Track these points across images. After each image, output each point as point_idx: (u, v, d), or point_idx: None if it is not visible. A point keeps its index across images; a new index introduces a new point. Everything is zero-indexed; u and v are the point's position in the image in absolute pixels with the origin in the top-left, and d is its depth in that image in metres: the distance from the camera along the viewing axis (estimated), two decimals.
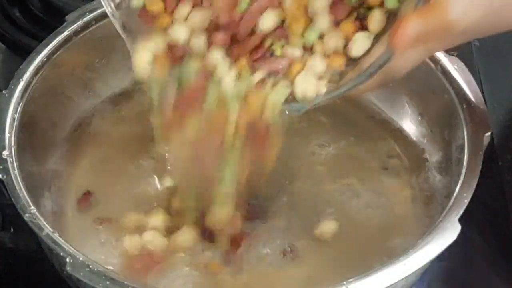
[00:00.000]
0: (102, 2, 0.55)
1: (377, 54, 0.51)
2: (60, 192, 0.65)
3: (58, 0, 0.81)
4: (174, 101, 0.54)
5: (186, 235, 0.60)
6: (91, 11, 0.66)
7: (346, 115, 0.71)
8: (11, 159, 0.57)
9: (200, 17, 0.53)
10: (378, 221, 0.64)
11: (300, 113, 0.54)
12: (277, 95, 0.53)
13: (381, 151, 0.69)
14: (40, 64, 0.63)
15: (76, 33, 0.66)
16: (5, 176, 0.55)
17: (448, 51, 0.64)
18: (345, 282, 0.50)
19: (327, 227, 0.62)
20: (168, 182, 0.65)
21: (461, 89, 0.62)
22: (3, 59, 0.82)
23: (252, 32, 0.53)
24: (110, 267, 0.57)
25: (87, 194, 0.65)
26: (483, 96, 0.62)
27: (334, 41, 0.52)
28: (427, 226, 0.55)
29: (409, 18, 0.47)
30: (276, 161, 0.57)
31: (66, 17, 0.66)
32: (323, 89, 0.53)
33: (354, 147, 0.69)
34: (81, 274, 0.50)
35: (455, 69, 0.63)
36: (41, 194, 0.63)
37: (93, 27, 0.66)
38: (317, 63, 0.52)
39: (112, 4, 0.55)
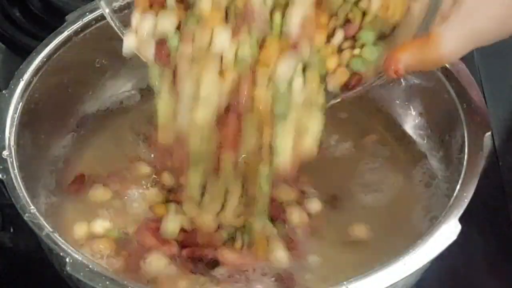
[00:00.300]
0: (99, 4, 0.55)
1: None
2: (59, 190, 0.65)
3: (58, 0, 0.81)
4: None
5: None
6: (91, 11, 0.66)
7: (346, 115, 0.71)
8: (11, 159, 0.57)
9: None
10: (379, 221, 0.64)
11: None
12: None
13: (380, 151, 0.69)
14: (40, 64, 0.63)
15: (76, 33, 0.66)
16: (5, 176, 0.55)
17: None
18: (345, 282, 0.50)
19: (358, 230, 0.63)
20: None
21: (461, 89, 0.62)
22: (3, 59, 0.82)
23: None
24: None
25: (81, 177, 0.66)
26: (483, 96, 0.62)
27: None
28: (427, 226, 0.55)
29: (402, 51, 0.49)
30: None
31: (66, 17, 0.66)
32: None
33: (353, 148, 0.70)
34: (81, 274, 0.50)
35: (455, 69, 0.63)
36: (41, 193, 0.63)
37: (93, 27, 0.66)
38: None
39: (110, 7, 0.56)
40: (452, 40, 0.48)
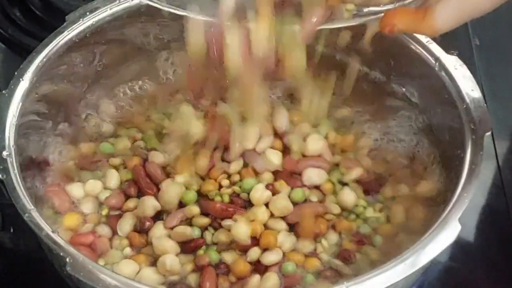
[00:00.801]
0: None
1: None
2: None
3: (58, 0, 0.81)
4: None
5: None
6: (91, 11, 0.66)
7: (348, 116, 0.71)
8: (11, 159, 0.57)
9: None
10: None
11: None
12: None
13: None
14: (40, 64, 0.63)
15: (76, 33, 0.66)
16: (5, 176, 0.55)
17: (448, 51, 0.64)
18: (345, 282, 0.50)
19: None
20: None
21: (461, 89, 0.62)
22: (3, 59, 0.82)
23: None
24: None
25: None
26: (483, 96, 0.62)
27: None
28: (427, 226, 0.55)
29: (399, 17, 0.53)
30: None
31: (66, 17, 0.66)
32: None
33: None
34: (81, 274, 0.50)
35: (455, 68, 0.63)
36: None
37: (93, 27, 0.66)
38: None
39: None
40: (446, 16, 0.51)
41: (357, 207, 0.64)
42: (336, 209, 0.64)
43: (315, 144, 0.67)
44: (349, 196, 0.64)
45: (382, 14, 0.54)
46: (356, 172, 0.66)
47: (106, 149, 0.68)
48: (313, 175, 0.65)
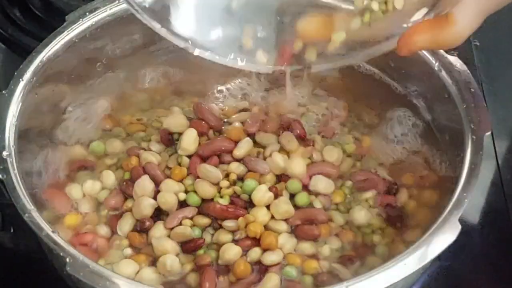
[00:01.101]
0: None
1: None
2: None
3: (58, 0, 0.81)
4: None
5: None
6: (91, 11, 0.66)
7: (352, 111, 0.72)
8: (11, 159, 0.57)
9: None
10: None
11: None
12: None
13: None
14: (40, 64, 0.63)
15: (76, 33, 0.66)
16: (5, 176, 0.55)
17: (448, 51, 0.64)
18: (345, 282, 0.50)
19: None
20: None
21: (461, 89, 0.62)
22: (3, 59, 0.82)
23: None
24: None
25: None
26: (483, 96, 0.62)
27: None
28: (427, 226, 0.55)
29: (419, 33, 0.52)
30: None
31: (66, 17, 0.66)
32: None
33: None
34: (81, 274, 0.50)
35: (455, 69, 0.63)
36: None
37: (93, 27, 0.66)
38: None
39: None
40: (466, 17, 0.50)
41: (367, 226, 0.64)
42: (341, 220, 0.64)
43: (331, 155, 0.67)
44: (363, 216, 0.64)
45: (400, 34, 0.53)
46: (370, 193, 0.66)
47: (97, 148, 0.68)
48: (320, 183, 0.65)
